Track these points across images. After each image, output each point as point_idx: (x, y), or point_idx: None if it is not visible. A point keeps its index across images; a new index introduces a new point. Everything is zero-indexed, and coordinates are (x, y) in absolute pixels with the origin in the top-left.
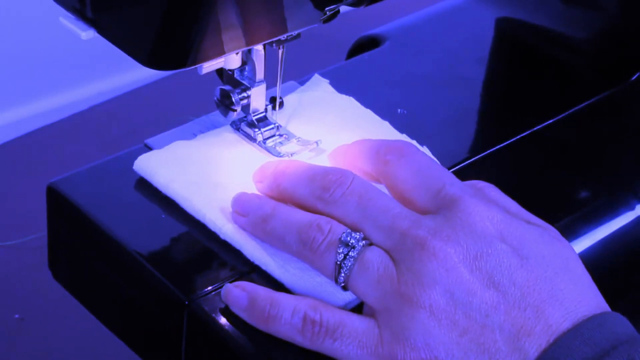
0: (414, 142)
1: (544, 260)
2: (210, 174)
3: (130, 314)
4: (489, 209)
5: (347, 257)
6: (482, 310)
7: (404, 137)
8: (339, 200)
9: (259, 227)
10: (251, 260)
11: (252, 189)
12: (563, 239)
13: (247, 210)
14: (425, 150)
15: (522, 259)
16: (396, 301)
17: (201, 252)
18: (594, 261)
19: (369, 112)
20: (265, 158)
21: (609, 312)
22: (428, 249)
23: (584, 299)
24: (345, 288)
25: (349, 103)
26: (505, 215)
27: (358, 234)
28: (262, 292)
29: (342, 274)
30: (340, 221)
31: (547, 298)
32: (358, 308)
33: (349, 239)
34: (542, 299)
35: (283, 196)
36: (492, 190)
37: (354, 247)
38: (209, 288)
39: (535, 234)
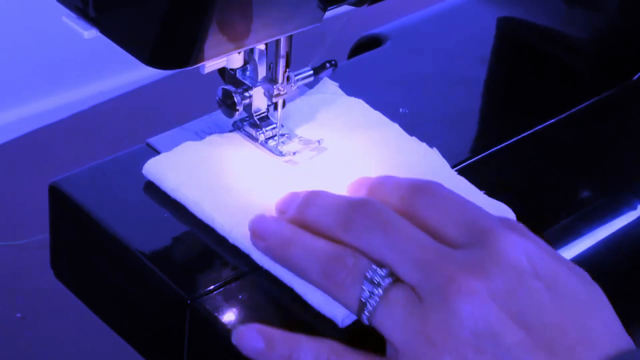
0: (424, 145)
1: (576, 300)
2: (220, 178)
3: (132, 313)
4: (523, 241)
5: (372, 295)
6: (512, 352)
7: (413, 140)
8: (364, 231)
9: (279, 253)
10: (260, 265)
11: (262, 192)
12: (592, 280)
13: (266, 234)
14: (435, 151)
15: (554, 297)
16: (422, 344)
17: (203, 252)
18: (594, 261)
19: (378, 114)
20: (274, 161)
21: (635, 349)
22: (456, 285)
23: (613, 338)
24: (369, 324)
25: (358, 105)
26: (539, 249)
27: (383, 270)
28: (279, 336)
29: (366, 312)
30: (365, 254)
31: (578, 339)
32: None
33: (374, 276)
34: (573, 340)
35: (307, 225)
36: (522, 226)
37: (379, 285)
38: (211, 287)
39: (566, 271)
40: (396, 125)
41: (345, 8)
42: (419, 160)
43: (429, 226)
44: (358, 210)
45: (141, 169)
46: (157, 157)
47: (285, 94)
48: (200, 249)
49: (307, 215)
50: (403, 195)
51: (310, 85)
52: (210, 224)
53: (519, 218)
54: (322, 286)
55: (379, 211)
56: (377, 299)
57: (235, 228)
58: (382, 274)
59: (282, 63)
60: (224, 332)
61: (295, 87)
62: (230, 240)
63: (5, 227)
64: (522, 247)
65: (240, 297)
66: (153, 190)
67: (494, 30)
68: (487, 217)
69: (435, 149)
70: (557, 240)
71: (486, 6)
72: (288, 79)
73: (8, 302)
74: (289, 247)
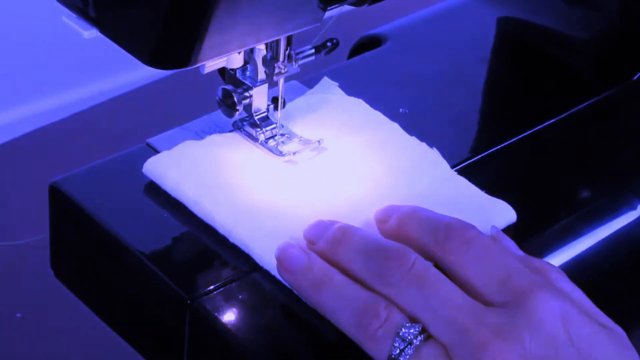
0: (424, 144)
1: None
2: (220, 177)
3: (133, 313)
4: (560, 303)
5: (402, 353)
6: None
7: (412, 139)
8: (399, 284)
9: (309, 293)
10: (260, 265)
11: (263, 192)
12: (628, 342)
13: (295, 269)
14: (435, 151)
15: None
16: None
17: (203, 252)
18: (594, 261)
19: (378, 114)
20: (274, 161)
21: None
22: (489, 351)
23: None
24: None
25: (358, 105)
26: (577, 312)
27: (416, 327)
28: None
29: None
30: (398, 306)
31: None
32: None
33: (406, 333)
34: None
35: (337, 265)
36: (560, 278)
37: (410, 343)
38: (211, 287)
39: (604, 336)
40: (396, 125)
41: (345, 8)
42: (418, 161)
43: (462, 277)
44: (394, 260)
45: (141, 168)
46: (157, 156)
47: (286, 72)
48: (200, 249)
49: (339, 255)
50: (437, 237)
51: (310, 85)
52: (210, 223)
53: (519, 218)
54: (352, 334)
55: (414, 263)
56: (408, 357)
57: (235, 227)
58: (415, 331)
59: (283, 41)
60: (224, 332)
61: (296, 65)
62: (231, 240)
63: (5, 227)
64: (558, 311)
65: (240, 297)
66: (153, 190)
67: (494, 30)
68: (524, 274)
69: (435, 148)
70: (557, 240)
71: (486, 6)
72: (290, 57)
73: (8, 302)
74: (319, 289)
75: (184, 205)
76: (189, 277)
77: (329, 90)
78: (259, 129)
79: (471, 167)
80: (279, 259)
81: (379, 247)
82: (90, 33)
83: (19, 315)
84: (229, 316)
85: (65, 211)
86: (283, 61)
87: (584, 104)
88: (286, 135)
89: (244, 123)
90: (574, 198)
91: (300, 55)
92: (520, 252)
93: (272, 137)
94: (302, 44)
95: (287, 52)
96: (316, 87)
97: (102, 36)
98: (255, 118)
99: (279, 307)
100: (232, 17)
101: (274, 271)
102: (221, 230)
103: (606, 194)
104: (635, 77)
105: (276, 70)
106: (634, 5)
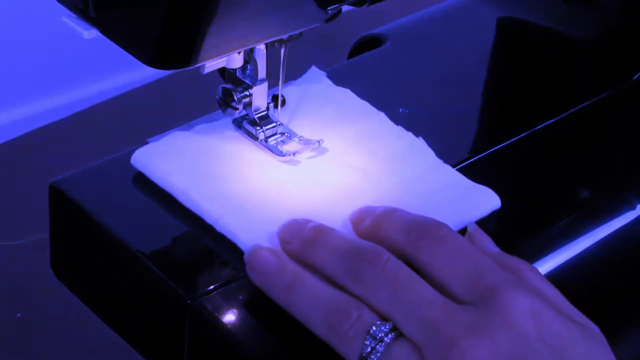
0: (410, 134)
1: None
2: (208, 166)
3: (133, 313)
4: (532, 301)
5: (374, 350)
6: None
7: (399, 129)
8: (370, 283)
9: (280, 296)
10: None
11: (250, 181)
12: (604, 340)
13: (265, 271)
14: (421, 141)
15: None
16: None
17: (203, 251)
18: (594, 261)
19: (365, 104)
20: (261, 150)
21: None
22: (458, 348)
23: None
24: None
25: (345, 95)
26: (548, 309)
27: (387, 325)
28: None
29: None
30: (369, 305)
31: None
32: None
33: (377, 331)
34: None
35: (311, 265)
36: (533, 275)
37: (381, 341)
38: (211, 287)
39: (577, 333)
40: (382, 115)
41: (345, 8)
42: (405, 150)
43: (434, 276)
44: (367, 260)
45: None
46: (146, 147)
47: (279, 132)
48: (200, 249)
49: (312, 256)
50: (409, 236)
51: (296, 75)
52: (197, 213)
53: (519, 217)
54: (324, 336)
55: (386, 262)
56: (379, 355)
57: (222, 217)
58: (386, 329)
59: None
60: (224, 332)
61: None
62: (217, 229)
63: (5, 227)
64: (528, 308)
65: (240, 297)
66: (153, 190)
67: (494, 30)
68: (495, 272)
69: (421, 138)
70: (557, 240)
71: (486, 6)
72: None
73: (8, 302)
74: (290, 292)
75: (183, 205)
76: (189, 277)
77: (316, 79)
78: (258, 128)
79: (471, 167)
80: (249, 262)
81: (352, 248)
82: (90, 33)
83: (19, 315)
84: (229, 316)
85: (65, 211)
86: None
87: (584, 104)
88: (286, 135)
89: (244, 122)
90: (574, 198)
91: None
92: (496, 249)
93: (272, 135)
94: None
95: (278, 109)
96: (304, 76)
97: (102, 36)
98: (255, 117)
99: (279, 307)
100: (232, 17)
101: None
102: (208, 220)
103: (606, 194)
104: (635, 77)
105: (267, 132)
106: (634, 5)
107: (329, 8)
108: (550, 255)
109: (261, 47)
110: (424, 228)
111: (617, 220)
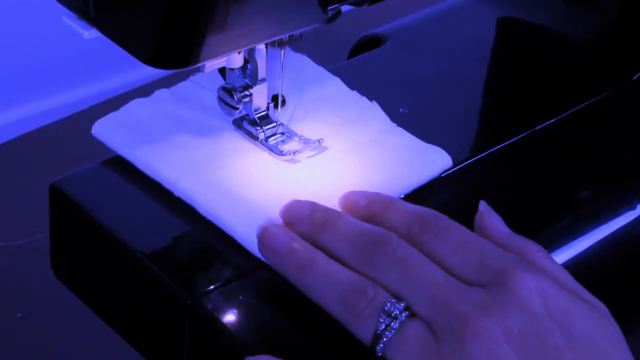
0: (364, 98)
1: (592, 342)
2: (166, 133)
3: (133, 313)
4: (538, 280)
5: (388, 327)
6: None
7: (354, 94)
8: (383, 266)
9: (294, 275)
10: (206, 217)
11: (209, 146)
12: (611, 318)
13: (279, 250)
14: (375, 105)
15: (568, 338)
16: None
17: (204, 251)
18: (594, 261)
19: (320, 69)
20: (220, 115)
21: None
22: (471, 325)
23: None
24: (382, 358)
25: (302, 60)
26: (555, 288)
27: (401, 304)
28: None
29: (381, 344)
30: (383, 286)
31: None
32: None
33: (392, 309)
34: None
35: (320, 248)
36: (541, 256)
37: (396, 318)
38: (212, 287)
39: (585, 310)
40: (338, 80)
41: (345, 8)
42: (359, 114)
43: (441, 265)
44: (378, 244)
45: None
46: (105, 117)
47: (280, 133)
48: (201, 249)
49: (322, 240)
50: (411, 231)
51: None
52: (156, 179)
53: (519, 217)
54: (339, 314)
55: (398, 246)
56: (393, 332)
57: (179, 180)
58: (400, 307)
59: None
60: (224, 332)
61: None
62: (176, 193)
63: (5, 227)
64: (535, 287)
65: (240, 297)
66: (153, 189)
67: (494, 30)
68: (501, 255)
69: (374, 102)
70: (557, 240)
71: (486, 6)
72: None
73: (8, 302)
74: (305, 271)
75: (184, 205)
76: (189, 277)
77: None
78: (259, 128)
79: (471, 167)
80: (262, 239)
81: (363, 232)
82: (90, 33)
83: (19, 315)
84: (229, 316)
85: (65, 211)
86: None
87: (584, 104)
88: (286, 134)
89: (244, 122)
90: (574, 198)
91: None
92: (506, 229)
93: (272, 135)
94: (302, 43)
95: (278, 110)
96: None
97: (102, 36)
98: (255, 117)
99: (279, 307)
100: (232, 17)
101: (220, 224)
102: (166, 185)
103: (606, 194)
104: (635, 77)
105: (267, 131)
106: (634, 5)
107: (329, 8)
108: (550, 255)
109: (261, 47)
110: (424, 222)
111: (617, 220)
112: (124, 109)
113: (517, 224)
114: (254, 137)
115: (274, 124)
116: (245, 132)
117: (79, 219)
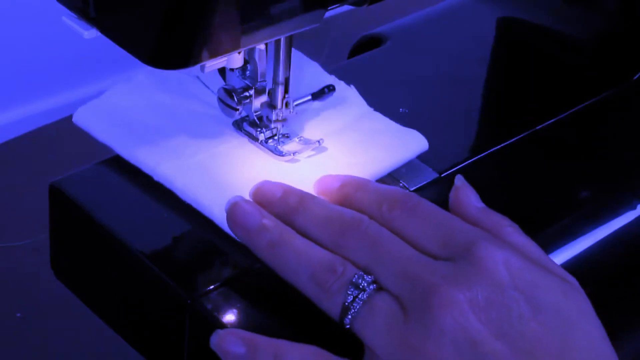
0: (342, 82)
1: (558, 312)
2: (148, 119)
3: (133, 313)
4: (504, 253)
5: (356, 299)
6: None
7: (332, 78)
8: (353, 245)
9: (264, 251)
10: (184, 200)
11: (188, 130)
12: (581, 290)
13: (249, 226)
14: (352, 89)
15: (534, 308)
16: (404, 352)
17: (204, 251)
18: (594, 261)
19: (297, 53)
20: (200, 99)
21: None
22: (437, 295)
23: (596, 353)
24: (350, 331)
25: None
26: (521, 260)
27: (369, 277)
28: (261, 340)
29: (349, 316)
30: (353, 264)
31: (558, 352)
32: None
33: (360, 281)
34: (552, 352)
35: (294, 229)
36: (512, 231)
37: (364, 290)
38: (211, 287)
39: (551, 282)
40: (316, 64)
41: (345, 8)
42: (338, 99)
43: (410, 241)
44: (349, 225)
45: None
46: (86, 105)
47: (284, 119)
48: (200, 248)
49: (295, 223)
50: (381, 209)
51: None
52: (136, 164)
53: (519, 217)
54: (309, 291)
55: (369, 227)
56: (361, 304)
57: (159, 165)
58: (369, 280)
59: (280, 89)
60: None
61: (293, 112)
62: (155, 178)
63: (5, 227)
64: (501, 259)
65: (240, 297)
66: (153, 189)
67: (494, 30)
68: (468, 230)
69: (352, 86)
70: (557, 240)
71: (486, 6)
72: (287, 104)
73: (8, 302)
74: (276, 248)
75: (184, 205)
76: (189, 277)
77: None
78: (258, 129)
79: (471, 167)
80: (232, 214)
81: (335, 214)
82: (90, 33)
83: (19, 315)
84: (229, 316)
85: (65, 211)
86: (281, 108)
87: (584, 104)
88: (286, 135)
89: (244, 123)
90: (574, 198)
91: (298, 103)
92: (480, 203)
93: (272, 136)
94: (302, 43)
95: (284, 99)
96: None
97: (102, 36)
98: (255, 117)
99: (279, 307)
100: (232, 17)
101: (198, 206)
102: (145, 169)
103: (606, 194)
104: (635, 77)
105: (274, 117)
106: (634, 5)
107: (329, 8)
108: (550, 255)
109: (261, 47)
110: (394, 199)
111: (617, 220)
112: (105, 96)
113: (517, 223)
114: (254, 138)
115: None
116: (245, 133)
117: (79, 219)
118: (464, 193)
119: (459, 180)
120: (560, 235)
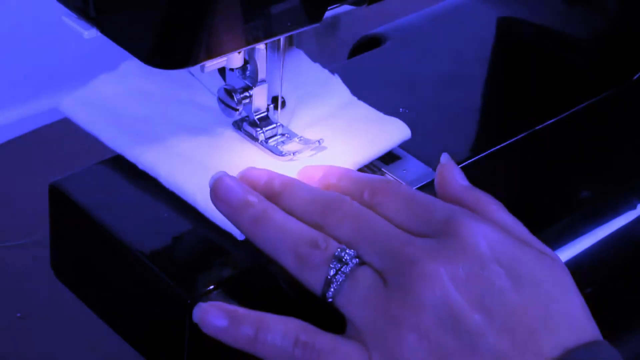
0: (326, 71)
1: (539, 285)
2: (133, 107)
3: (133, 313)
4: (484, 227)
5: (339, 272)
6: (471, 334)
7: (316, 66)
8: (335, 222)
9: (247, 226)
10: (167, 187)
11: (171, 118)
12: (562, 264)
13: (232, 202)
14: (336, 78)
15: (515, 282)
16: (385, 323)
17: (204, 251)
18: (594, 261)
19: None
20: (187, 90)
21: (600, 340)
22: (419, 268)
23: (577, 326)
24: (332, 305)
25: (298, 57)
26: (501, 235)
27: (352, 251)
28: (244, 313)
29: (332, 289)
30: (336, 239)
31: (539, 324)
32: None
33: (343, 254)
34: (533, 325)
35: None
36: (496, 209)
37: (346, 264)
38: (211, 287)
39: (532, 256)
40: (301, 52)
41: (345, 8)
42: (322, 88)
43: (393, 222)
44: (332, 205)
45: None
46: (72, 94)
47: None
48: (200, 248)
49: (279, 205)
50: (363, 195)
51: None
52: (121, 153)
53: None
54: (291, 265)
55: (350, 205)
56: (343, 277)
57: (142, 153)
58: (351, 254)
59: (280, 89)
60: None
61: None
62: (140, 167)
63: (5, 227)
64: (481, 233)
65: (240, 297)
66: (153, 189)
67: (494, 30)
68: (449, 208)
69: (336, 75)
70: (557, 240)
71: (486, 6)
72: (284, 104)
73: (8, 302)
74: (259, 224)
75: (184, 205)
76: (189, 277)
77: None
78: (258, 129)
79: (471, 167)
80: (215, 190)
81: (318, 196)
82: (90, 33)
83: (19, 315)
84: None
85: (65, 211)
86: (280, 108)
87: (584, 104)
88: (286, 135)
89: (244, 123)
90: (574, 198)
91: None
92: (465, 182)
93: (272, 136)
94: (303, 43)
95: (281, 99)
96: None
97: (102, 36)
98: (255, 118)
99: (279, 307)
100: (232, 17)
101: (182, 194)
102: (130, 157)
103: (606, 193)
104: (635, 77)
105: (267, 133)
106: (634, 5)
107: (329, 8)
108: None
109: (261, 47)
110: (373, 186)
111: (617, 220)
112: (91, 85)
113: None
114: (254, 139)
115: (274, 125)
116: (245, 133)
117: (79, 219)
118: (449, 171)
119: (445, 157)
120: (560, 235)
